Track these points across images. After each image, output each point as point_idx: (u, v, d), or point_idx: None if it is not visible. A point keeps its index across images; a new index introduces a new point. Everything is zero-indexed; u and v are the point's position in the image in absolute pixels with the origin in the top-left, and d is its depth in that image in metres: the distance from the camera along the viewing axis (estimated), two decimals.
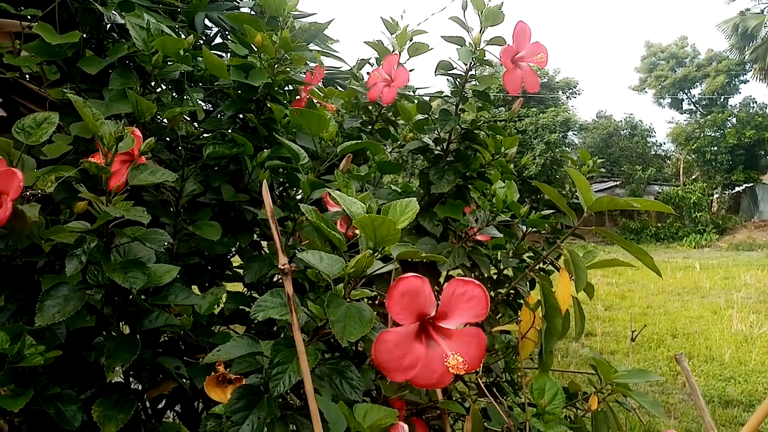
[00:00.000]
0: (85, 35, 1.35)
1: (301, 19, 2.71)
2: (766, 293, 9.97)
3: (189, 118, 1.77)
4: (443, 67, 1.62)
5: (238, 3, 2.50)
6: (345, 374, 0.82)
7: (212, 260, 1.62)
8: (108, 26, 1.46)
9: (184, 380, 1.09)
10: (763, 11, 22.56)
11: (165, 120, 1.25)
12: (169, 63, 1.29)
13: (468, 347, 0.75)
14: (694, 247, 20.10)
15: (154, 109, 1.16)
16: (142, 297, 1.01)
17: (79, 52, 1.32)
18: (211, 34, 2.46)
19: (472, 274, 1.83)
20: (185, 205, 1.50)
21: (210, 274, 1.69)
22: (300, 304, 1.15)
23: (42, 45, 1.20)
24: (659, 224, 22.42)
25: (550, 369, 1.43)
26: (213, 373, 0.90)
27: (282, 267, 0.68)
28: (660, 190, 24.02)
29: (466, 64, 1.60)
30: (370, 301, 1.43)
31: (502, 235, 1.64)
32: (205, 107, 2.14)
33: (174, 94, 1.64)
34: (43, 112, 1.09)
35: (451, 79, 1.69)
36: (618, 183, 24.40)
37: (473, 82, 1.63)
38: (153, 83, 1.45)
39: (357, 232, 0.91)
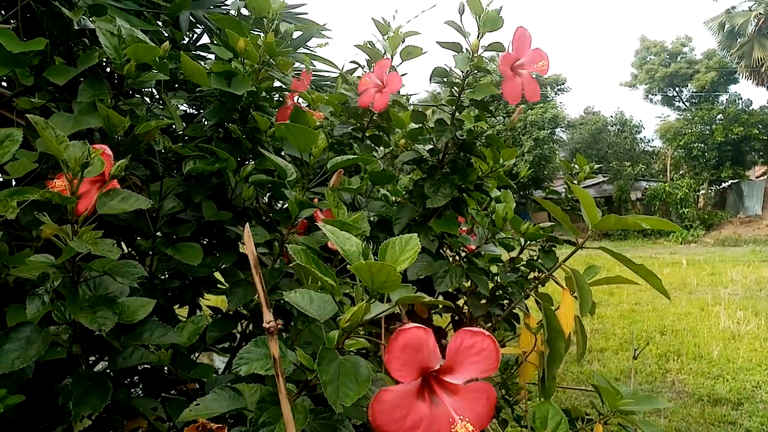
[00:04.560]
0: (53, 41, 1.25)
1: (290, 11, 2.61)
2: (751, 289, 10.05)
3: (171, 123, 1.67)
4: (439, 74, 1.53)
5: (224, 2, 2.39)
6: (338, 430, 0.74)
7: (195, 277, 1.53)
8: (78, 31, 1.35)
9: (163, 423, 1.00)
10: (750, 8, 22.63)
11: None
12: (144, 72, 1.19)
13: (476, 404, 0.67)
14: (681, 243, 20.22)
15: (127, 124, 1.07)
16: (115, 334, 0.92)
17: (46, 60, 1.22)
18: (197, 33, 2.36)
19: (468, 289, 1.76)
20: (165, 216, 1.40)
21: (192, 291, 1.60)
22: (287, 336, 1.06)
23: (2, 53, 1.10)
24: None
25: (552, 395, 1.36)
26: (192, 424, 0.81)
27: (267, 326, 0.59)
28: (647, 186, 24.14)
29: (462, 72, 1.51)
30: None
31: (501, 253, 1.56)
32: (188, 111, 2.04)
33: (151, 102, 1.54)
34: (4, 129, 0.99)
35: (447, 85, 1.61)
36: (606, 179, 24.49)
37: (470, 90, 1.55)
38: (128, 92, 1.35)
39: None
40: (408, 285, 0.70)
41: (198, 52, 2.31)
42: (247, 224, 0.63)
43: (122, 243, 1.61)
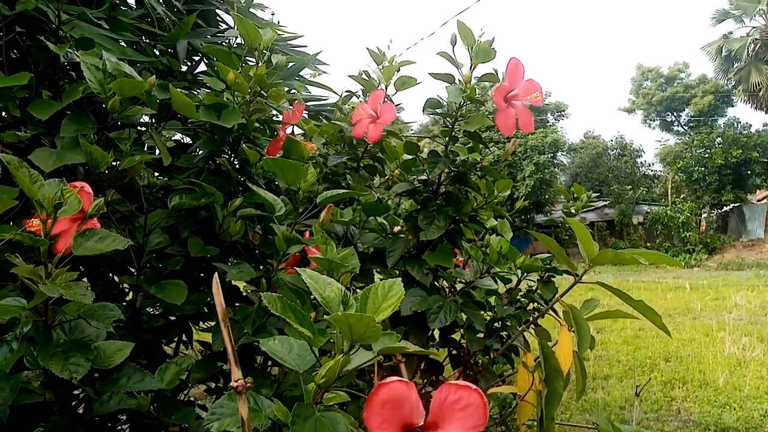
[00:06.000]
0: (39, 74, 1.23)
1: (288, 41, 2.61)
2: (756, 314, 9.92)
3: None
4: (432, 106, 1.51)
5: (222, 31, 2.40)
6: None
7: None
8: (65, 64, 1.34)
9: None
10: (748, 34, 22.86)
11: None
12: (130, 105, 1.17)
13: None
14: (684, 267, 20.07)
15: (110, 159, 1.04)
16: (91, 380, 0.88)
17: (32, 93, 1.20)
18: (195, 61, 2.35)
19: (465, 323, 1.71)
20: (152, 253, 1.37)
21: (180, 327, 1.55)
22: (275, 377, 1.02)
23: None
24: (648, 244, 22.42)
25: None
26: None
27: (234, 385, 0.55)
28: (649, 210, 24.07)
29: (456, 103, 1.49)
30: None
31: (497, 286, 1.52)
32: (182, 140, 2.02)
33: (144, 131, 1.52)
34: None
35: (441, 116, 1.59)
36: (607, 203, 24.42)
37: (463, 121, 1.53)
38: (115, 124, 1.33)
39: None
40: (392, 333, 0.66)
41: (197, 80, 2.30)
42: (216, 275, 0.60)
43: (113, 275, 1.58)
